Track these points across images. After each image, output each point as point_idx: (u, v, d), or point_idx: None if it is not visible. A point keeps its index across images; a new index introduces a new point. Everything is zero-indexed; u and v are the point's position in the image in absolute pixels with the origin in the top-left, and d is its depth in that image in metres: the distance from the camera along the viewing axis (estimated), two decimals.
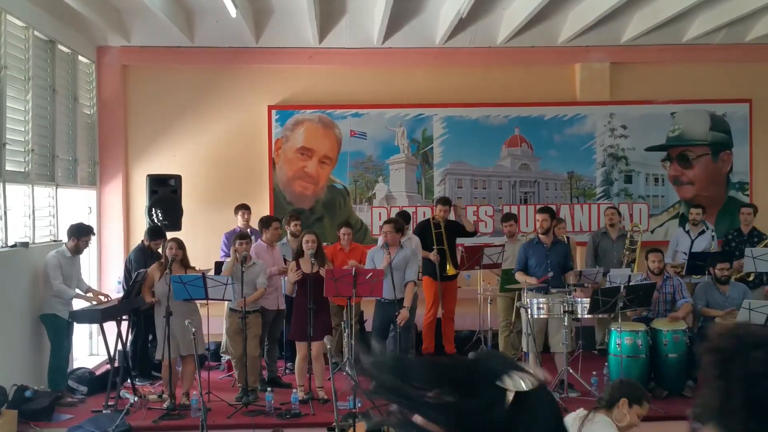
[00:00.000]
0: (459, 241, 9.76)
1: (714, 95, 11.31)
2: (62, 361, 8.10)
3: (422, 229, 9.63)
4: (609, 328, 8.13)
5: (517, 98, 11.19)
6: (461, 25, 10.02)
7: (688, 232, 10.00)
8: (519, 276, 8.42)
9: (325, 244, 8.79)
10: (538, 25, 10.35)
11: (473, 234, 9.95)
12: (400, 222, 8.57)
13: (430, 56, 11.01)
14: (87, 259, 9.92)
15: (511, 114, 11.22)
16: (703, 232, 9.92)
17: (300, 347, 7.99)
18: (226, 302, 8.01)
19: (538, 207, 8.85)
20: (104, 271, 10.53)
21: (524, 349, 8.25)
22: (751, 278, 9.41)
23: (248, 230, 9.37)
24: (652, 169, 11.38)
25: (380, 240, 8.31)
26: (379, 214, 11.01)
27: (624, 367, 7.71)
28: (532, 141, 11.28)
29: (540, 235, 8.39)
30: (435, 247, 9.30)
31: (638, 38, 10.63)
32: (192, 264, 8.13)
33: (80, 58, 10.01)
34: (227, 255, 9.44)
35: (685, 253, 9.67)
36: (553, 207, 9.77)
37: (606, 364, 8.18)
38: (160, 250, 9.07)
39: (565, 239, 9.53)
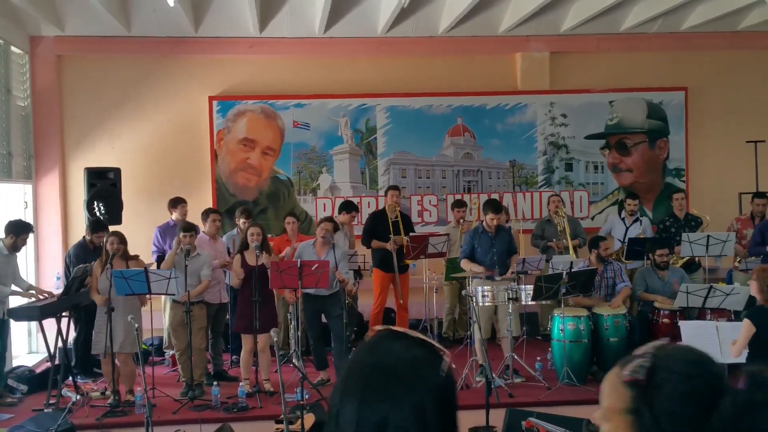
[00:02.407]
0: None
1: (651, 83, 11.56)
2: None
3: (375, 219, 9.61)
4: (552, 313, 8.25)
5: (459, 88, 11.26)
6: (403, 14, 10.03)
7: (623, 219, 10.18)
8: (464, 264, 8.47)
9: (269, 236, 8.72)
10: (479, 15, 10.41)
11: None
12: (336, 223, 8.66)
13: (372, 46, 10.99)
14: (24, 255, 9.65)
15: (453, 103, 11.28)
16: (636, 219, 10.12)
17: (246, 340, 7.92)
18: (168, 296, 7.87)
19: (492, 205, 8.62)
20: (42, 267, 10.25)
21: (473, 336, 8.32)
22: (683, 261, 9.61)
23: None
24: (591, 156, 11.58)
25: (318, 235, 8.20)
26: (324, 205, 10.98)
27: (567, 352, 7.85)
28: (475, 130, 11.36)
29: (485, 225, 8.43)
30: (392, 236, 9.29)
31: (577, 27, 10.78)
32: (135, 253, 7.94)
33: (12, 48, 9.71)
34: (159, 250, 9.23)
35: (620, 240, 9.87)
36: (499, 201, 9.84)
37: (550, 349, 8.34)
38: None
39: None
